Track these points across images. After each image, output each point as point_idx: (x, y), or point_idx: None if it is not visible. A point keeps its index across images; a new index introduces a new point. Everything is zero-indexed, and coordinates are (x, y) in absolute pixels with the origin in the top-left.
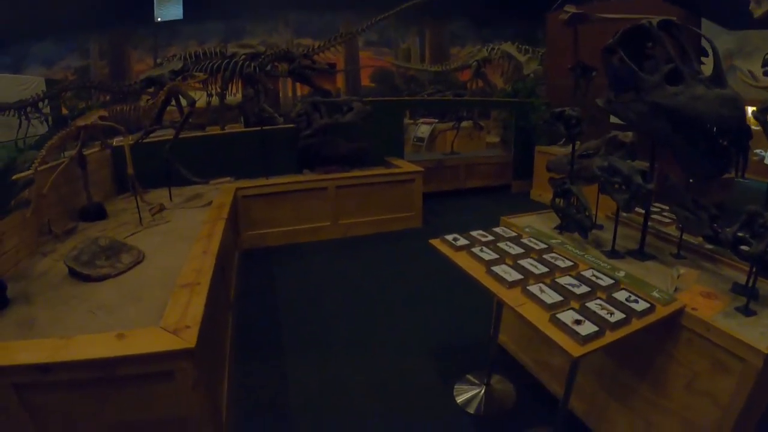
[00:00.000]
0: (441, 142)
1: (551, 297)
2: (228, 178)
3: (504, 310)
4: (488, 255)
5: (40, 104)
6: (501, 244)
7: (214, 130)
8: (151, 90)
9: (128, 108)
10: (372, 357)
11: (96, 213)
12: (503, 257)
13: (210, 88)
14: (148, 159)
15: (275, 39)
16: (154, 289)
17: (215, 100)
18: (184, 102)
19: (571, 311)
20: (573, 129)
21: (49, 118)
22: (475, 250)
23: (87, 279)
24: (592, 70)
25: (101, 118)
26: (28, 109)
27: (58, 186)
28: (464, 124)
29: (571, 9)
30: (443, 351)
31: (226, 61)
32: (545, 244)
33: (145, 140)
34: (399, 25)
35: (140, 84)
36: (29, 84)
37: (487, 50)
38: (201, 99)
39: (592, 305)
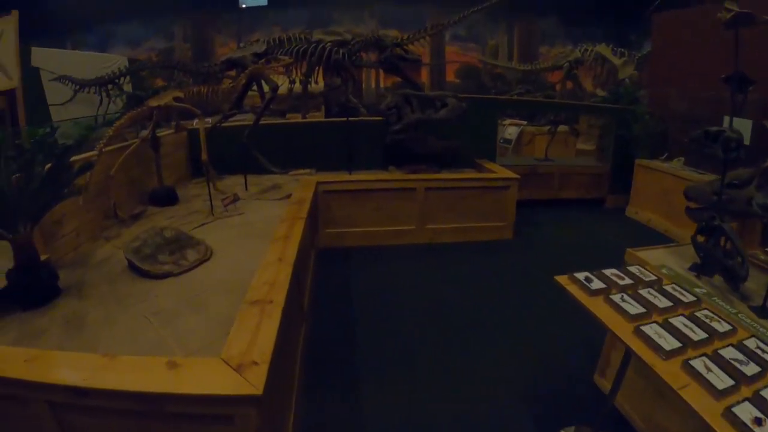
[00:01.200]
0: (527, 145)
1: (721, 380)
2: (309, 170)
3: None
4: (632, 307)
5: (121, 80)
6: (643, 291)
7: (294, 118)
8: (231, 73)
9: (206, 90)
10: (460, 390)
11: (166, 197)
12: (650, 311)
13: (293, 74)
14: (227, 144)
15: (360, 29)
16: (220, 295)
17: (298, 86)
18: (266, 87)
19: (747, 403)
20: (731, 153)
21: (123, 96)
22: (615, 297)
23: (146, 275)
24: (751, 82)
25: (176, 99)
26: (109, 86)
27: (128, 167)
28: (560, 128)
29: (732, 7)
30: (540, 390)
31: (312, 46)
32: (692, 295)
33: (223, 124)
34: (488, 21)
35: (220, 66)
36: (112, 62)
37: (580, 51)
38: (283, 85)
39: None
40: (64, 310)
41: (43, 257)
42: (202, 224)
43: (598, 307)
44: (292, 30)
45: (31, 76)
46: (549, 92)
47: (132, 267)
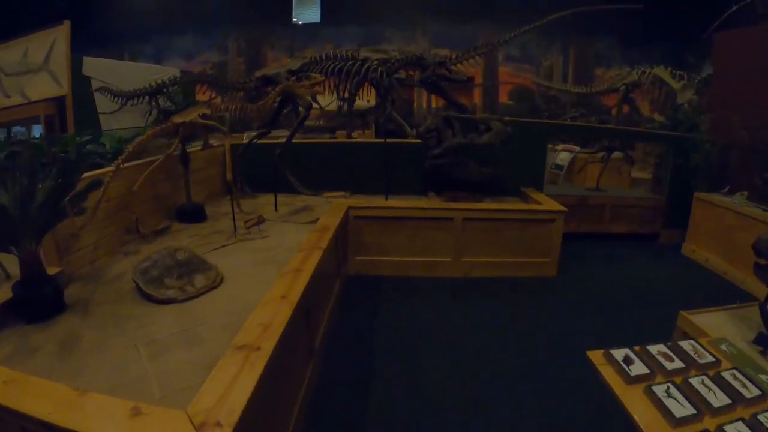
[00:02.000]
0: (579, 172)
1: None
2: (343, 193)
3: None
4: (679, 406)
5: (170, 89)
6: (695, 381)
7: (342, 136)
8: (269, 89)
9: (234, 107)
10: None
11: (193, 214)
12: (701, 413)
13: (341, 91)
14: (261, 162)
15: (413, 48)
16: (218, 330)
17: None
18: (301, 105)
19: None
20: None
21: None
22: (659, 389)
23: (150, 299)
24: None
25: (202, 116)
26: (158, 97)
27: (155, 183)
28: (614, 155)
29: None
30: None
31: (350, 63)
32: (757, 388)
33: (258, 141)
34: (542, 41)
35: (256, 82)
36: (162, 74)
37: (637, 74)
38: (332, 102)
39: None
40: (63, 329)
41: (55, 270)
42: (222, 246)
43: (636, 402)
44: (343, 47)
45: (82, 84)
46: (604, 116)
47: (138, 288)
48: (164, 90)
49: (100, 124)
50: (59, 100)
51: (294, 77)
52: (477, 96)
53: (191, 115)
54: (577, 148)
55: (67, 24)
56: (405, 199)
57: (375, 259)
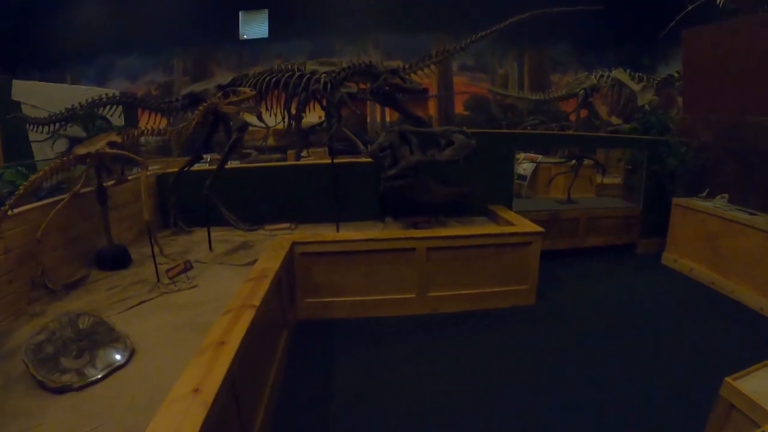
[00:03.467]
0: (543, 181)
1: None
2: (288, 225)
3: None
4: None
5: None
6: None
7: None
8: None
9: (147, 131)
10: None
11: (114, 259)
12: None
13: (282, 108)
14: (197, 191)
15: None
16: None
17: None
18: (235, 126)
19: None
20: None
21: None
22: None
23: (42, 386)
24: None
25: (111, 144)
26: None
27: (68, 225)
28: (585, 162)
29: None
30: None
31: (287, 75)
32: None
33: (192, 169)
34: (496, 49)
35: (182, 101)
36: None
37: (595, 77)
38: (281, 122)
39: None
40: None
41: None
42: (141, 302)
43: None
44: (290, 61)
45: (12, 110)
46: (564, 123)
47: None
48: (77, 114)
49: (32, 153)
50: None
51: (219, 93)
52: (432, 108)
53: (97, 145)
54: (539, 157)
55: None
56: (359, 228)
57: (328, 301)
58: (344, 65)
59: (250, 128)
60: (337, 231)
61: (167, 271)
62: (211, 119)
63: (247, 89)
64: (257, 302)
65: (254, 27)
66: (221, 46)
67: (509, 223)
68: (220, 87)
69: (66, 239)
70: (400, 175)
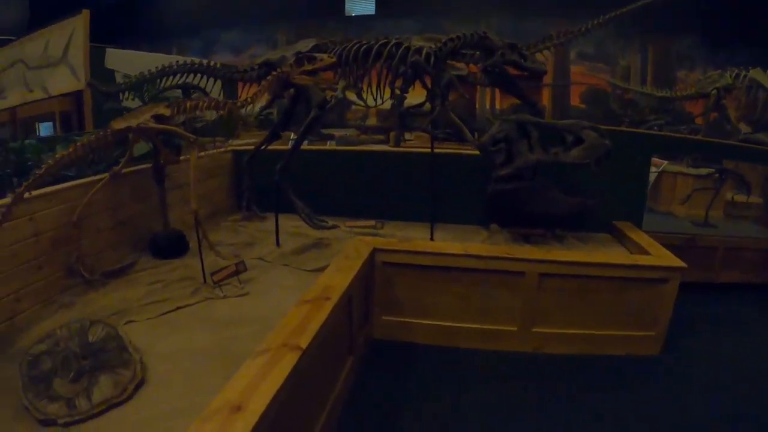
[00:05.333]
0: (666, 191)
1: None
2: (372, 222)
3: None
4: None
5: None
6: None
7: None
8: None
9: (203, 104)
10: None
11: (167, 248)
12: None
13: (372, 83)
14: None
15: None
16: None
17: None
18: (315, 102)
19: None
20: None
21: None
22: None
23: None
24: None
25: (156, 118)
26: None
27: (118, 205)
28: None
29: None
30: None
31: (380, 44)
32: None
33: (269, 148)
34: (618, 38)
35: (258, 70)
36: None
37: (730, 76)
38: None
39: None
40: None
41: None
42: (177, 308)
43: None
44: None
45: (107, 78)
46: (693, 126)
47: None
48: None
49: None
50: (77, 95)
51: (293, 60)
52: (546, 98)
53: (140, 118)
54: (664, 163)
55: (85, 13)
56: (457, 233)
57: (410, 322)
58: (452, 36)
59: (353, 106)
60: (431, 238)
61: (212, 274)
62: (291, 93)
63: (325, 56)
64: (305, 342)
65: (360, 3)
66: (326, 22)
67: (641, 249)
68: (299, 54)
69: (114, 221)
70: (515, 176)
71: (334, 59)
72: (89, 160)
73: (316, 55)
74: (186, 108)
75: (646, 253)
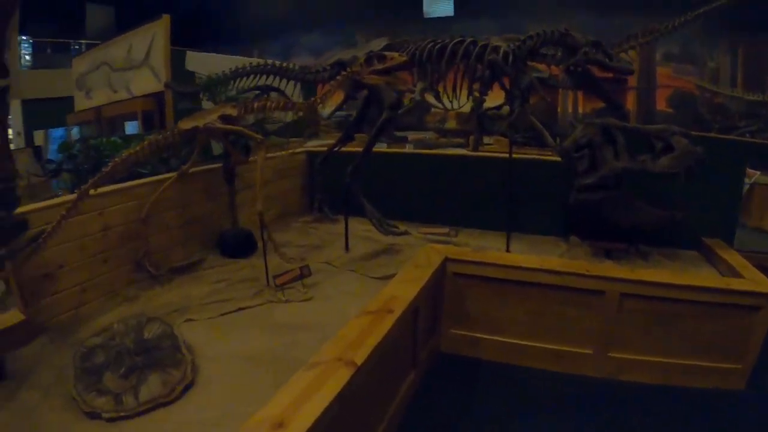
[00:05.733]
0: (759, 205)
1: None
2: (446, 230)
3: None
4: None
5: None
6: None
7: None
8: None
9: (271, 104)
10: None
11: (234, 246)
12: None
13: (449, 84)
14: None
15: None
16: None
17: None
18: (387, 102)
19: None
20: None
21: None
22: None
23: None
24: None
25: (224, 119)
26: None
27: (184, 205)
28: None
29: None
30: None
31: (455, 42)
32: None
33: (340, 150)
34: (706, 37)
35: (330, 71)
36: None
37: None
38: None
39: None
40: None
41: (15, 320)
42: (239, 309)
43: None
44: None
45: (187, 80)
46: None
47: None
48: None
49: None
50: (159, 96)
51: (363, 59)
52: (630, 102)
53: (207, 118)
54: (756, 174)
55: (165, 18)
56: (534, 244)
57: (479, 337)
58: (531, 33)
59: (432, 109)
60: (507, 249)
61: (275, 277)
62: (365, 94)
63: (396, 54)
64: (361, 358)
65: (439, 4)
66: (404, 24)
67: (733, 271)
68: (370, 53)
69: (184, 219)
70: (599, 186)
71: (405, 58)
72: (163, 158)
73: (387, 53)
74: (253, 108)
75: (739, 275)
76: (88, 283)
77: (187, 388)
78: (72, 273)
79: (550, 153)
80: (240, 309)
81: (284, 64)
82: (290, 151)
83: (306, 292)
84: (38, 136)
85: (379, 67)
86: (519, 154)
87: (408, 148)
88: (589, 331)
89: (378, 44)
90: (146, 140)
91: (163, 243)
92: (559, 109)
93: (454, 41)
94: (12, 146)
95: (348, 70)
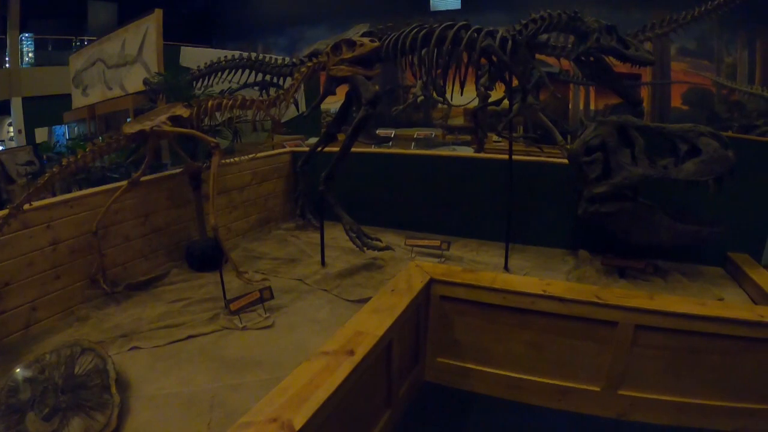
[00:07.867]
0: None
1: None
2: (437, 242)
3: None
4: None
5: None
6: None
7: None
8: None
9: (228, 102)
10: None
11: (200, 259)
12: None
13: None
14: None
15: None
16: None
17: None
18: (364, 96)
19: None
20: None
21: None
22: None
23: None
24: None
25: (174, 120)
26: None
27: (147, 214)
28: None
29: None
30: None
31: (444, 26)
32: None
33: (323, 151)
34: (723, 31)
35: (306, 63)
36: None
37: None
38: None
39: None
40: None
41: None
42: (189, 336)
43: None
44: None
45: (182, 76)
46: None
47: None
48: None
49: None
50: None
51: (329, 48)
52: (644, 99)
53: (155, 120)
54: None
55: (158, 12)
56: (538, 259)
57: (469, 367)
58: (533, 16)
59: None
60: (505, 265)
61: (230, 302)
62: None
63: (367, 40)
64: (301, 421)
65: None
66: (411, 17)
67: (762, 294)
68: (338, 42)
69: (147, 229)
70: (613, 195)
71: (377, 44)
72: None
73: (357, 39)
74: (207, 107)
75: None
76: (39, 301)
77: None
78: (20, 291)
79: (557, 154)
80: (190, 336)
81: (260, 57)
82: (264, 153)
83: (267, 317)
84: (41, 133)
85: (349, 55)
86: (522, 156)
87: (413, 147)
88: (598, 366)
89: (356, 31)
90: (88, 146)
91: (123, 256)
92: (569, 106)
93: (443, 25)
94: (12, 144)
95: (314, 60)
